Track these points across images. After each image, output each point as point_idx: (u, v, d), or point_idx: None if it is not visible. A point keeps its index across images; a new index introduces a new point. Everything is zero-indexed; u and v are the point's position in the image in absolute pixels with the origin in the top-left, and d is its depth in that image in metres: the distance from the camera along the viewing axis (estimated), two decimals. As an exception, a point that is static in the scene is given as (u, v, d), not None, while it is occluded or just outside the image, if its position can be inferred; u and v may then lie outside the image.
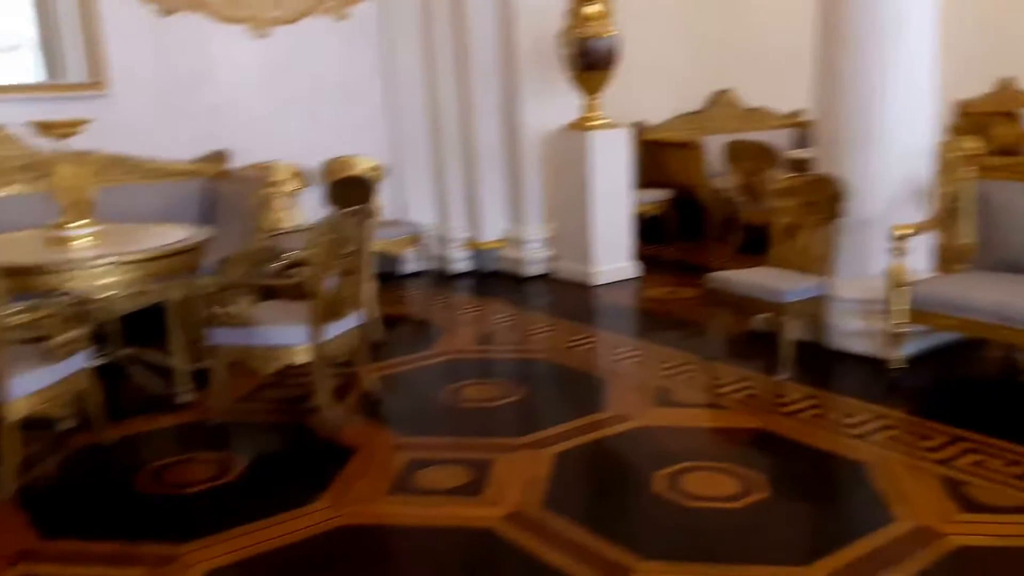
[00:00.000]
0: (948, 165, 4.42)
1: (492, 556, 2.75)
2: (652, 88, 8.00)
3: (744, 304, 4.40)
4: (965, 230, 4.33)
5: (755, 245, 5.78)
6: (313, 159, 6.35)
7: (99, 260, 3.72)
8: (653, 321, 5.45)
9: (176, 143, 5.74)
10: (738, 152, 7.08)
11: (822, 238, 4.40)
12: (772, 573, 2.57)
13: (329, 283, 3.72)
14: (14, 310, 3.27)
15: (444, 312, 5.75)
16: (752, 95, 8.64)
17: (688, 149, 7.82)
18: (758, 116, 8.62)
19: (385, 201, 6.71)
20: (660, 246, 7.24)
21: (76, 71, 5.63)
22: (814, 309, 4.35)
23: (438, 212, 7.01)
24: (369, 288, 4.72)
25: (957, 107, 9.42)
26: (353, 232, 3.81)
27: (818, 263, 4.41)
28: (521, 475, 3.22)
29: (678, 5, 8.13)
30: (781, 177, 5.02)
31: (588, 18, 6.08)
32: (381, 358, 4.54)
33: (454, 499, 3.07)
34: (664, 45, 8.00)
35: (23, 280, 3.51)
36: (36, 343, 3.34)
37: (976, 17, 8.98)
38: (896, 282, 4.08)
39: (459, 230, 6.89)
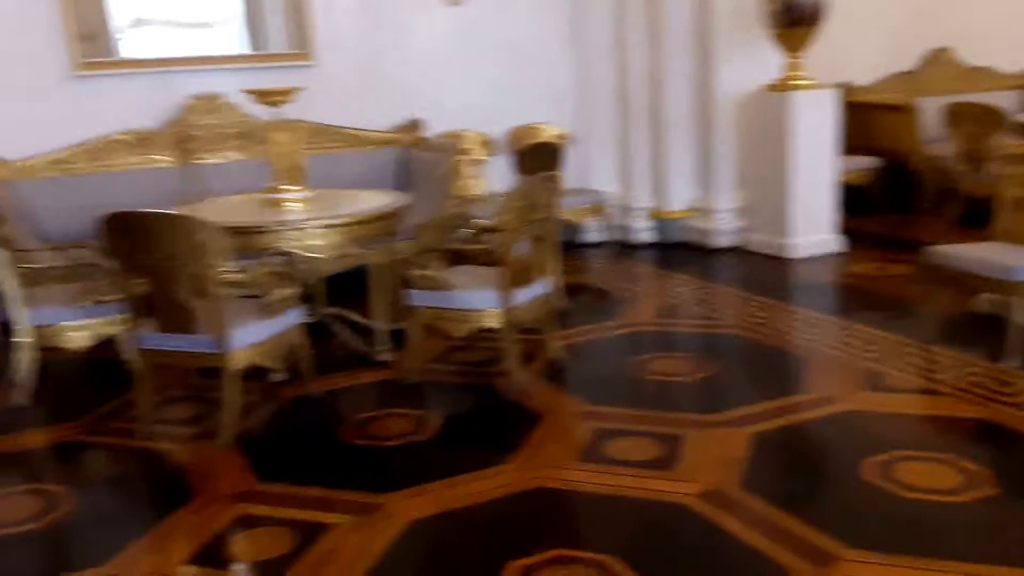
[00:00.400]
0: None
1: (687, 532, 2.67)
2: (862, 45, 7.44)
3: (967, 282, 4.00)
4: None
5: (976, 218, 5.26)
6: (500, 127, 6.44)
7: (309, 222, 3.93)
8: (859, 299, 5.11)
9: (375, 111, 5.98)
10: (960, 115, 6.46)
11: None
12: (1006, 575, 2.33)
13: (519, 249, 3.75)
14: (235, 267, 3.53)
15: (627, 282, 5.67)
16: (975, 53, 7.84)
17: (901, 112, 7.23)
18: (981, 76, 7.83)
19: (569, 169, 6.67)
20: (866, 218, 6.76)
21: (277, 43, 5.91)
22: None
23: (622, 181, 6.89)
24: (555, 256, 4.74)
25: None
26: (543, 199, 3.81)
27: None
28: (715, 453, 3.11)
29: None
30: (1010, 143, 4.52)
31: (794, -26, 5.73)
32: (565, 326, 4.54)
33: (646, 472, 3.01)
34: (875, -1, 7.44)
35: (241, 240, 3.76)
36: (253, 299, 3.60)
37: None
38: None
39: (643, 199, 6.74)
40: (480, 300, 3.77)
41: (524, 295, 3.83)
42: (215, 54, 5.69)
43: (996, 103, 6.69)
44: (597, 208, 6.49)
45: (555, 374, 3.99)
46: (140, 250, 3.21)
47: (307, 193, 4.31)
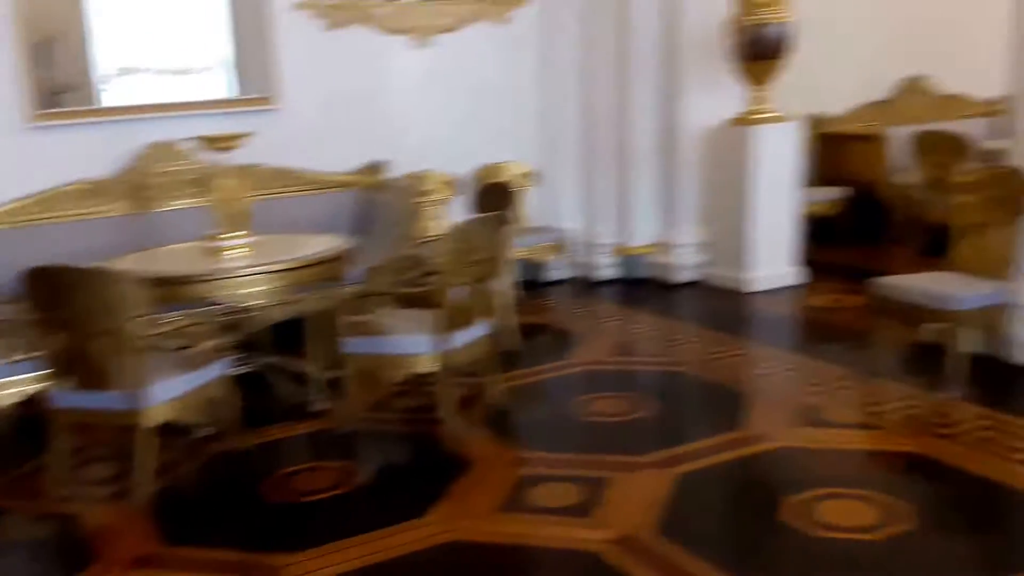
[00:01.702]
0: None
1: (596, 582, 2.65)
2: (837, 76, 7.47)
3: (911, 313, 3.99)
4: None
5: (940, 248, 5.22)
6: (468, 166, 6.46)
7: (245, 270, 3.95)
8: (812, 332, 5.11)
9: (339, 154, 6.01)
10: (927, 144, 6.50)
11: (1008, 238, 3.92)
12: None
13: (458, 292, 3.75)
14: (159, 319, 3.53)
15: (586, 320, 5.66)
16: (951, 81, 7.89)
17: (870, 142, 7.30)
18: (954, 104, 7.89)
19: (534, 207, 6.72)
20: (833, 249, 6.80)
21: (261, 88, 5.95)
22: (993, 319, 3.89)
23: (587, 217, 6.89)
24: (506, 296, 4.76)
25: None
26: (484, 240, 3.81)
27: (1002, 266, 3.94)
28: (637, 496, 3.10)
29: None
30: (963, 171, 4.53)
31: (758, 4, 5.78)
32: (516, 367, 4.55)
33: (564, 519, 3.00)
34: (851, 27, 7.47)
35: (173, 290, 3.80)
36: (182, 351, 3.60)
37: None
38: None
39: (607, 235, 6.75)
40: (414, 345, 3.77)
41: (463, 338, 3.83)
42: (177, 101, 5.72)
43: (966, 131, 6.74)
44: (559, 246, 6.50)
45: (494, 419, 3.97)
46: (58, 304, 3.24)
47: (251, 239, 4.33)
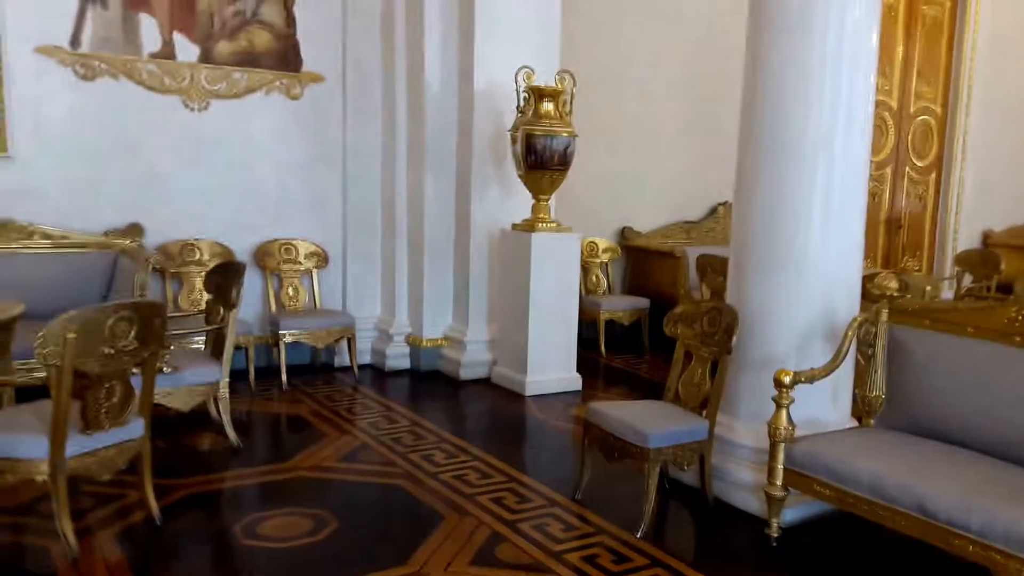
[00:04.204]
0: (870, 304, 3.79)
1: None
2: (650, 192, 7.97)
3: (610, 443, 3.75)
4: (875, 380, 3.65)
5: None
6: (251, 240, 6.16)
7: None
8: (551, 447, 4.81)
9: (93, 213, 5.55)
10: (705, 265, 6.49)
11: (714, 373, 3.79)
12: None
13: (90, 386, 3.22)
14: None
15: (346, 415, 5.23)
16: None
17: (670, 258, 7.46)
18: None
19: (324, 289, 6.47)
20: (627, 357, 6.97)
21: None
22: (692, 455, 3.69)
23: (384, 303, 6.68)
24: (217, 387, 4.33)
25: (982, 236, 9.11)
26: (122, 328, 3.23)
27: (705, 403, 3.79)
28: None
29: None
30: (682, 305, 4.45)
31: (542, 116, 5.72)
32: (215, 470, 4.12)
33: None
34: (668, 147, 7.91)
35: None
36: None
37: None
38: (775, 435, 3.43)
39: (401, 324, 6.50)
40: (25, 447, 3.14)
41: (96, 441, 3.25)
42: None
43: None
44: (346, 331, 6.16)
45: (130, 538, 3.38)
46: None
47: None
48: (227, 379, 4.46)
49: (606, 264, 7.64)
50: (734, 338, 3.65)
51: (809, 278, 3.73)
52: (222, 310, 4.46)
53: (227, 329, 4.43)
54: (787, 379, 3.40)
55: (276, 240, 6.27)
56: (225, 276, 4.47)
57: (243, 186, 6.12)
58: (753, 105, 3.82)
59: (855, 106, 3.67)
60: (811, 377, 3.51)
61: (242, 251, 6.08)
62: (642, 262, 7.79)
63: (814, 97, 3.63)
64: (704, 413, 3.78)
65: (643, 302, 7.38)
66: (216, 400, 4.50)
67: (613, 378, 6.37)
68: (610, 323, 7.19)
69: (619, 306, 7.31)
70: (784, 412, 3.41)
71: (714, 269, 6.33)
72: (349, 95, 6.42)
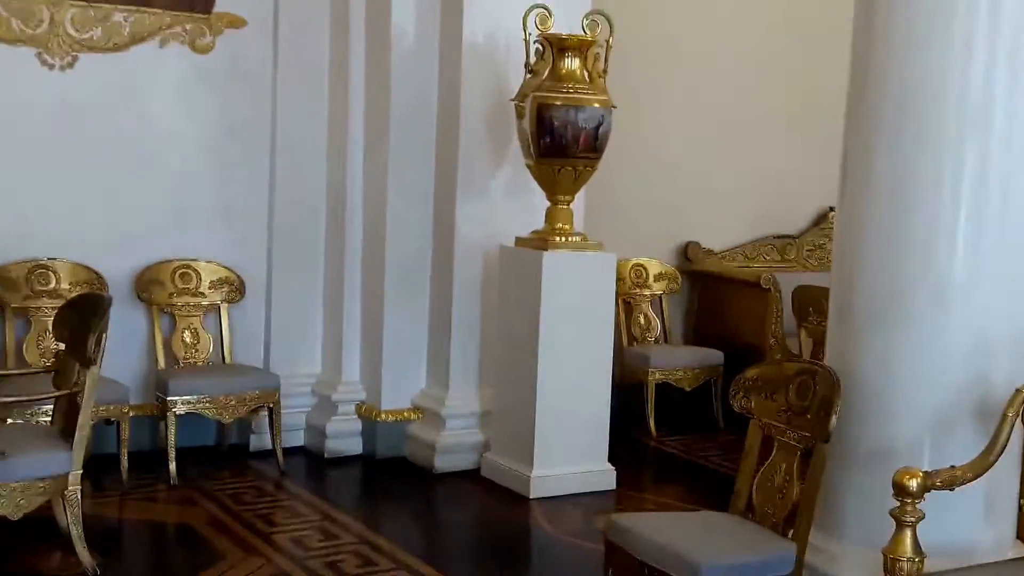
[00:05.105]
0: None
1: None
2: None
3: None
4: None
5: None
6: (132, 260, 6.12)
7: None
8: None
9: None
10: (804, 301, 6.49)
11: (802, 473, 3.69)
12: None
13: None
14: None
15: (255, 528, 5.14)
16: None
17: (754, 290, 7.40)
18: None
19: (237, 335, 6.44)
20: (687, 436, 7.03)
21: None
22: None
23: (321, 357, 6.71)
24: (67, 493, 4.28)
25: None
26: None
27: (792, 516, 3.69)
28: None
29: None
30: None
31: (563, 78, 5.67)
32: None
33: None
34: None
35: None
36: None
37: None
38: (895, 570, 3.30)
39: (349, 388, 6.49)
40: None
41: None
42: None
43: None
44: (268, 397, 6.08)
45: None
46: None
47: None
48: (79, 471, 4.41)
49: (659, 298, 7.63)
50: (833, 417, 3.56)
51: (950, 328, 3.72)
52: (77, 367, 4.43)
53: (82, 395, 4.37)
54: (914, 483, 3.27)
55: (169, 261, 6.23)
56: (82, 315, 4.46)
57: (123, 180, 6.09)
58: (866, 59, 3.85)
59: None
60: (951, 480, 3.38)
61: (119, 277, 6.05)
62: (714, 295, 7.79)
63: (959, 42, 3.60)
64: (791, 533, 3.68)
65: (715, 355, 7.33)
66: (64, 502, 4.44)
67: (667, 472, 6.38)
68: (664, 387, 7.14)
69: (679, 361, 7.25)
70: (909, 533, 3.29)
71: (817, 308, 6.25)
72: (281, 49, 6.46)
